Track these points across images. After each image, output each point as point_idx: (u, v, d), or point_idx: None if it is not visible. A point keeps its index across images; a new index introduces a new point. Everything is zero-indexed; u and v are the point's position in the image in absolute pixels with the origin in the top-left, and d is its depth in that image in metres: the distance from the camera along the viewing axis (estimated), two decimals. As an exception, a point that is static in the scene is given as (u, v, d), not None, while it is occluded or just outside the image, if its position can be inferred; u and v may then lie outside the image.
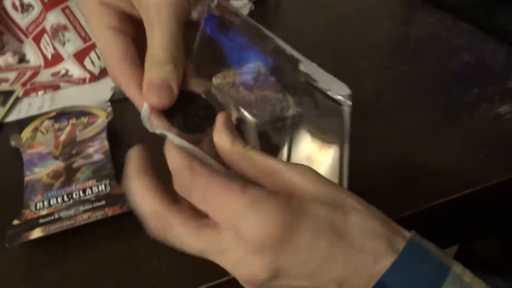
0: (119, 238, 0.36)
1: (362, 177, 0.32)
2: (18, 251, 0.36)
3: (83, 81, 0.57)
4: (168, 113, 0.27)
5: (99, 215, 0.36)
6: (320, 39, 0.61)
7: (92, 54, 0.58)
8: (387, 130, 0.45)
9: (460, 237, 0.47)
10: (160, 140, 0.26)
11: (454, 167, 0.41)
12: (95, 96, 0.54)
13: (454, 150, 0.43)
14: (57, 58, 0.59)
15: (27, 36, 0.62)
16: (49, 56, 0.60)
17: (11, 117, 0.53)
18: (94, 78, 0.57)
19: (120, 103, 0.53)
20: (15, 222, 0.37)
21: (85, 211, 0.36)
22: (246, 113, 0.47)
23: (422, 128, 0.46)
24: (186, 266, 0.34)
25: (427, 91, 0.51)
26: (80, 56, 0.58)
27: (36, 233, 0.35)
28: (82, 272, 0.34)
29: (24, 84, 0.58)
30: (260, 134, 0.39)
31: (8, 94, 0.56)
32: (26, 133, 0.46)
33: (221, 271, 0.24)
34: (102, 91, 0.55)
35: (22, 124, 0.48)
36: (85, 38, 0.59)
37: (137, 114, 0.54)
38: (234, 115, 0.47)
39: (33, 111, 0.52)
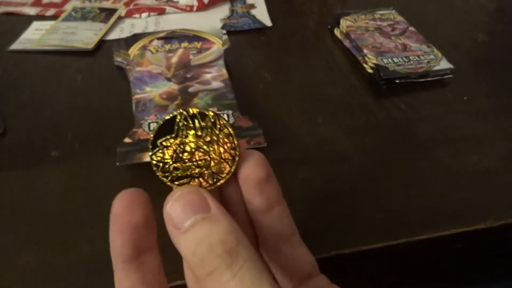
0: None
1: None
2: (127, 172, 0.32)
3: (190, 8, 0.52)
4: None
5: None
6: None
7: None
8: None
9: None
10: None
11: None
12: (203, 25, 0.49)
13: None
14: (164, -19, 0.55)
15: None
16: (154, -21, 0.56)
17: (113, 36, 0.49)
18: (202, 6, 0.52)
19: (230, 35, 0.48)
20: (126, 140, 0.32)
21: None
22: (386, 61, 0.41)
23: None
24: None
25: None
26: (189, -19, 0.53)
27: (151, 155, 0.31)
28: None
29: (127, 5, 0.54)
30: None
31: (110, 12, 0.52)
32: (134, 50, 0.42)
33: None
34: (210, 21, 0.50)
35: (127, 41, 0.44)
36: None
37: (251, 47, 0.48)
38: (372, 61, 0.41)
39: (136, 32, 0.48)
